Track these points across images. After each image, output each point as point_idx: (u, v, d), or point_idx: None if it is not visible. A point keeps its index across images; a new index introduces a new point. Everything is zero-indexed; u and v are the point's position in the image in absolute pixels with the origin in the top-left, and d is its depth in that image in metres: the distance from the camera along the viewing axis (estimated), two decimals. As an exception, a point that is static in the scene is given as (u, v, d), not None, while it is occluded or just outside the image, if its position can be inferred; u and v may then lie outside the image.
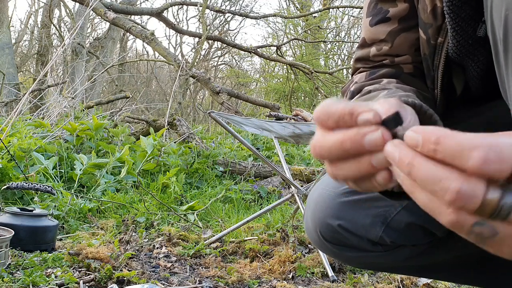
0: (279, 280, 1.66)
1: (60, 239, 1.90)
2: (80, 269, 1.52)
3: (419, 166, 0.37)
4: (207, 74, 8.17)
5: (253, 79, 13.62)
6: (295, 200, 2.11)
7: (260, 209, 2.41)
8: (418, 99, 0.60)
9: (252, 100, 7.05)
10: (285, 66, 9.53)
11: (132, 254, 1.75)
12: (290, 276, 1.71)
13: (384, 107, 0.44)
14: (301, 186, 2.11)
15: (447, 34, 0.70)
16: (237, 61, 13.99)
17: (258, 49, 7.26)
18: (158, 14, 7.03)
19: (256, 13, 10.52)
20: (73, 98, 4.89)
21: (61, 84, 6.60)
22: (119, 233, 2.03)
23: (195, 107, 10.01)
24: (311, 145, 0.46)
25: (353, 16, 10.99)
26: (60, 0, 10.33)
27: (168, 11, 9.80)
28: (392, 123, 0.42)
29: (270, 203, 2.71)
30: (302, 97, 11.88)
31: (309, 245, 2.01)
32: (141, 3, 11.08)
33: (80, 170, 2.62)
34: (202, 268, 1.74)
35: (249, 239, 2.04)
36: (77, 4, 8.14)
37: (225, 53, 13.19)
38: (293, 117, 3.75)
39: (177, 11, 12.95)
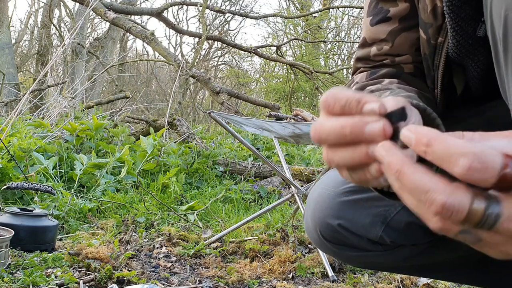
0: (279, 280, 1.66)
1: (60, 239, 1.90)
2: (80, 269, 1.52)
3: (407, 174, 0.37)
4: (207, 74, 8.17)
5: (253, 79, 13.62)
6: (295, 200, 2.11)
7: (260, 209, 2.41)
8: (421, 101, 0.60)
9: (252, 100, 7.05)
10: (285, 66, 9.53)
11: (132, 254, 1.75)
12: (290, 276, 1.71)
13: (391, 102, 0.44)
14: (301, 186, 2.11)
15: (447, 34, 0.70)
16: (237, 61, 14.00)
17: (258, 49, 7.26)
18: (158, 14, 7.03)
19: (256, 13, 10.52)
20: (73, 98, 4.89)
21: (61, 84, 6.60)
22: (119, 233, 2.03)
23: (195, 107, 10.01)
24: (312, 128, 0.46)
25: (353, 16, 11.00)
26: (60, 0, 10.33)
27: (168, 11, 9.80)
28: (397, 117, 0.42)
29: (270, 203, 2.71)
30: (302, 97, 11.88)
31: (309, 245, 2.01)
32: (141, 3, 11.08)
33: (80, 170, 2.62)
34: (202, 268, 1.74)
35: (249, 239, 2.04)
36: (77, 4, 8.14)
37: (225, 53, 13.20)
38: (293, 117, 3.75)
39: (177, 11, 12.96)
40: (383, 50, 0.79)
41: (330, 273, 1.69)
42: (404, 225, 0.78)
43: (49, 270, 1.49)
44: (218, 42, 10.57)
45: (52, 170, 2.62)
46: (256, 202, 2.99)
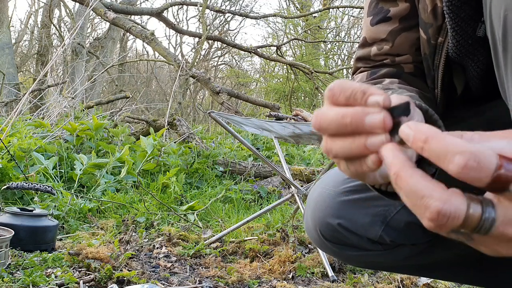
0: (279, 280, 1.66)
1: (60, 239, 1.90)
2: (80, 269, 1.52)
3: (405, 178, 0.38)
4: (207, 74, 8.17)
5: (253, 79, 13.62)
6: (295, 200, 2.11)
7: (260, 209, 2.41)
8: (422, 101, 0.60)
9: (252, 100, 7.04)
10: (285, 66, 9.53)
11: (132, 254, 1.75)
12: (290, 276, 1.71)
13: (396, 98, 0.45)
14: (301, 186, 2.11)
15: (447, 34, 0.70)
16: (237, 61, 14.00)
17: (258, 49, 7.26)
18: (158, 14, 7.03)
19: (256, 13, 10.52)
20: (73, 98, 4.89)
21: (61, 84, 6.60)
22: (119, 233, 2.03)
23: (195, 107, 10.01)
24: (313, 115, 0.46)
25: (353, 16, 11.00)
26: (60, 0, 10.33)
27: (168, 11, 9.80)
28: (400, 111, 0.42)
29: (270, 203, 2.71)
30: (302, 97, 11.88)
31: (309, 245, 2.01)
32: (141, 3, 11.08)
33: (80, 170, 2.62)
34: (202, 268, 1.74)
35: (249, 239, 2.04)
36: (77, 4, 8.14)
37: (225, 53, 13.20)
38: (293, 117, 3.75)
39: (177, 11, 12.96)
40: (383, 50, 0.79)
41: (330, 273, 1.69)
42: (404, 224, 0.78)
43: (49, 270, 1.49)
44: (218, 42, 10.57)
45: (52, 170, 2.62)
46: (256, 202, 2.99)
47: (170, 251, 1.87)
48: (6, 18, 8.41)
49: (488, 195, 0.37)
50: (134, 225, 2.05)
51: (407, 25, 0.77)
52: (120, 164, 2.90)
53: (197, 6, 8.39)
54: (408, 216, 0.78)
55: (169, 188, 2.76)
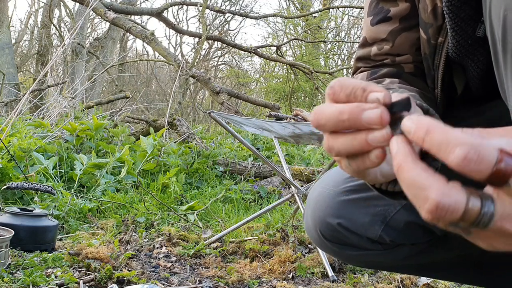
0: (279, 280, 1.66)
1: (60, 239, 1.90)
2: (80, 269, 1.52)
3: (406, 170, 0.38)
4: (207, 74, 8.17)
5: (253, 79, 13.62)
6: (295, 200, 2.11)
7: (260, 209, 2.41)
8: (423, 101, 0.60)
9: (252, 100, 7.05)
10: (285, 66, 9.53)
11: (132, 254, 1.75)
12: (290, 276, 1.71)
13: (396, 95, 0.45)
14: (301, 186, 2.11)
15: (448, 34, 0.70)
16: (237, 61, 14.00)
17: (258, 49, 7.26)
18: (158, 14, 7.03)
19: (256, 13, 10.52)
20: (73, 98, 4.89)
21: (61, 84, 6.60)
22: (119, 233, 2.03)
23: (195, 107, 10.01)
24: (312, 112, 0.46)
25: (353, 16, 11.00)
26: (60, 0, 10.33)
27: (168, 11, 9.80)
28: (401, 107, 0.42)
29: (270, 203, 2.71)
30: (302, 97, 11.88)
31: (309, 245, 2.01)
32: (141, 3, 11.08)
33: (80, 170, 2.62)
34: (202, 268, 1.74)
35: (249, 239, 2.04)
36: (77, 4, 8.14)
37: (225, 53, 13.20)
38: (293, 117, 3.75)
39: (177, 11, 12.96)
40: (384, 50, 0.79)
41: (330, 273, 1.69)
42: (404, 224, 0.78)
43: (49, 270, 1.49)
44: (218, 42, 10.57)
45: (52, 170, 2.62)
46: (256, 202, 2.99)
47: (170, 251, 1.88)
48: (6, 18, 8.42)
49: (488, 189, 0.37)
50: (134, 225, 2.05)
51: (407, 25, 0.77)
52: (120, 164, 2.90)
53: (197, 6, 8.39)
54: (407, 216, 0.78)
55: (169, 188, 2.76)
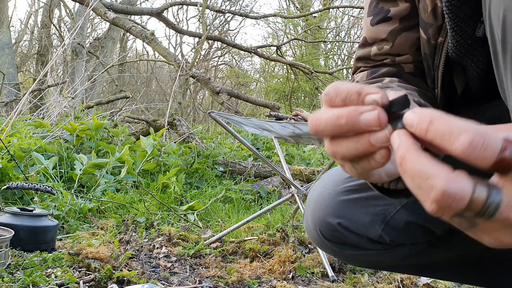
0: (279, 280, 1.66)
1: (60, 239, 1.90)
2: (80, 269, 1.52)
3: (410, 160, 0.37)
4: (207, 74, 8.17)
5: (253, 79, 13.62)
6: (295, 200, 2.11)
7: (260, 209, 2.41)
8: (422, 99, 0.60)
9: (252, 100, 7.05)
10: (285, 66, 9.53)
11: (132, 254, 1.75)
12: (290, 276, 1.71)
13: (392, 94, 0.44)
14: (301, 186, 2.11)
15: (447, 34, 0.70)
16: (237, 61, 14.00)
17: (258, 49, 7.26)
18: (158, 14, 7.03)
19: (256, 13, 10.52)
20: (73, 98, 4.89)
21: (61, 84, 6.60)
22: (119, 233, 2.03)
23: (195, 107, 10.01)
24: (310, 119, 0.46)
25: (353, 16, 11.00)
26: (60, 0, 10.33)
27: (168, 11, 9.81)
28: (400, 105, 0.42)
29: (270, 203, 2.71)
30: (302, 97, 11.88)
31: (309, 245, 2.01)
32: (141, 3, 11.08)
33: (80, 170, 2.62)
34: (202, 268, 1.74)
35: (249, 239, 2.04)
36: (77, 4, 8.14)
37: (225, 53, 13.20)
38: (293, 117, 3.75)
39: (177, 11, 12.96)
40: (384, 50, 0.79)
41: (330, 273, 1.69)
42: (404, 224, 0.78)
43: (49, 270, 1.49)
44: (218, 42, 10.57)
45: (52, 170, 2.62)
46: (256, 202, 2.99)
47: (170, 251, 1.88)
48: (6, 18, 8.42)
49: (493, 179, 0.36)
50: (134, 225, 2.05)
51: (407, 25, 0.77)
52: (120, 164, 2.90)
53: (197, 6, 8.39)
54: (407, 215, 0.78)
55: (169, 188, 2.76)
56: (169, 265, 1.72)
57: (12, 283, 1.34)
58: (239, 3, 12.52)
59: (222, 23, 12.61)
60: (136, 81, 12.16)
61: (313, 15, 10.48)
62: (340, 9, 10.50)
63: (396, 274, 1.73)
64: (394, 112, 0.42)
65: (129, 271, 1.53)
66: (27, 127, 3.36)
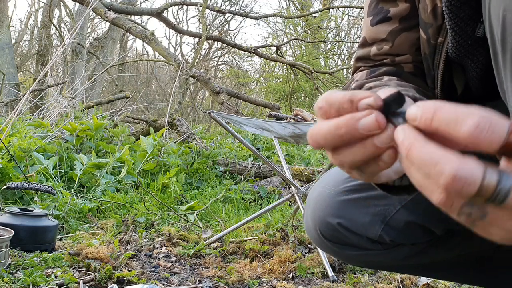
0: (279, 280, 1.66)
1: (60, 239, 1.90)
2: (80, 269, 1.52)
3: (418, 148, 0.37)
4: (207, 74, 8.17)
5: (253, 79, 13.62)
6: (295, 200, 2.11)
7: (260, 209, 2.41)
8: (419, 95, 0.60)
9: (252, 100, 7.05)
10: (285, 66, 9.53)
11: (132, 254, 1.75)
12: (290, 276, 1.71)
13: (385, 92, 0.44)
14: (301, 186, 2.11)
15: (447, 34, 0.70)
16: (237, 61, 14.01)
17: (258, 49, 7.26)
18: (158, 14, 7.03)
19: (256, 13, 10.52)
20: (73, 98, 4.89)
21: (61, 84, 6.60)
22: (119, 233, 2.03)
23: (195, 107, 10.01)
24: (308, 135, 0.46)
25: (353, 16, 11.00)
26: (60, 0, 10.33)
27: (168, 11, 9.81)
28: (395, 102, 0.42)
29: (270, 203, 2.71)
30: (302, 97, 11.88)
31: (309, 245, 2.01)
32: (141, 3, 11.08)
33: (80, 170, 2.63)
34: (202, 268, 1.74)
35: (249, 239, 2.04)
36: (77, 4, 8.14)
37: (225, 53, 13.20)
38: (293, 117, 3.75)
39: (177, 11, 12.96)
40: (383, 50, 0.79)
41: (330, 273, 1.69)
42: (404, 224, 0.78)
43: (49, 270, 1.49)
44: (218, 42, 10.57)
45: (52, 170, 2.62)
46: (256, 202, 2.99)
47: (170, 251, 1.88)
48: (6, 18, 8.42)
49: (502, 164, 0.36)
50: (134, 225, 2.05)
51: (407, 25, 0.77)
52: (120, 164, 2.90)
53: (197, 6, 8.39)
54: (407, 215, 0.78)
55: (169, 188, 2.76)
56: (169, 265, 1.72)
57: (12, 283, 1.34)
58: (239, 3, 12.53)
59: (222, 23, 12.62)
60: (136, 81, 12.17)
61: (313, 15, 10.48)
62: (340, 9, 10.51)
63: (396, 274, 1.73)
64: (392, 111, 0.42)
65: (129, 271, 1.53)
66: (27, 127, 3.36)
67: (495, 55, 0.56)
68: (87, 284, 1.42)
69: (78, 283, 1.40)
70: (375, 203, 0.79)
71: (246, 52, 8.63)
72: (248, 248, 1.92)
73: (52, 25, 9.86)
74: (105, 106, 7.16)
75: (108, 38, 10.02)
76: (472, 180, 0.33)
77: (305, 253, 1.93)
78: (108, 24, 8.81)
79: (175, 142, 3.69)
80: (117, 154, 2.91)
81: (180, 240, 2.01)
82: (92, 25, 12.36)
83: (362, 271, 1.79)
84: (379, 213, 0.79)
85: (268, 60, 10.02)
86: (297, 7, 12.45)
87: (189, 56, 12.04)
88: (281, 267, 1.74)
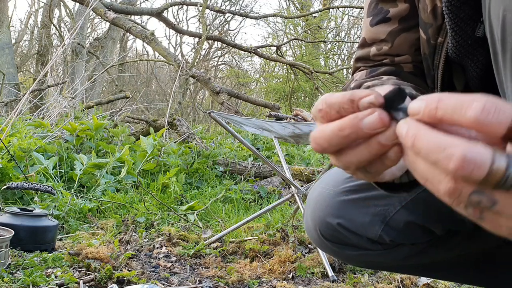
0: (279, 280, 1.66)
1: (60, 239, 1.90)
2: (80, 269, 1.52)
3: (424, 136, 0.36)
4: (207, 74, 8.17)
5: (253, 79, 13.63)
6: (295, 200, 2.11)
7: (260, 209, 2.41)
8: (416, 92, 0.61)
9: (252, 100, 7.05)
10: (285, 66, 9.53)
11: (132, 254, 1.75)
12: (290, 276, 1.71)
13: (385, 89, 0.44)
14: (301, 186, 2.11)
15: (447, 34, 0.70)
16: (237, 61, 14.01)
17: (258, 49, 7.27)
18: (158, 14, 7.03)
19: (256, 13, 10.53)
20: (73, 98, 4.89)
21: (61, 84, 6.60)
22: (119, 233, 2.03)
23: (195, 107, 10.01)
24: (311, 139, 0.45)
25: (353, 16, 11.01)
26: (60, 0, 10.33)
27: (168, 11, 9.81)
28: (396, 98, 0.41)
29: (270, 203, 2.71)
30: (302, 97, 11.88)
31: (309, 245, 2.01)
32: (141, 3, 11.09)
33: (80, 170, 2.63)
34: (202, 268, 1.74)
35: (249, 239, 2.04)
36: (77, 4, 8.14)
37: (225, 53, 13.20)
38: (293, 117, 3.75)
39: (177, 11, 12.97)
40: (383, 50, 0.79)
41: (330, 273, 1.69)
42: (403, 224, 0.78)
43: (49, 270, 1.49)
44: (218, 42, 10.57)
45: (52, 170, 2.62)
46: (256, 202, 2.99)
47: (170, 251, 1.88)
48: (6, 18, 8.42)
49: (509, 149, 0.35)
50: (134, 225, 2.05)
51: (407, 26, 0.77)
52: (120, 164, 2.90)
53: (197, 6, 8.39)
54: (407, 215, 0.78)
55: (169, 188, 2.76)
56: (169, 265, 1.72)
57: (12, 283, 1.34)
58: (239, 3, 12.53)
59: (222, 23, 12.62)
60: (136, 81, 12.17)
61: (313, 15, 10.48)
62: (340, 9, 10.51)
63: (396, 274, 1.73)
64: (393, 107, 0.41)
65: (129, 271, 1.53)
66: (27, 127, 3.36)
67: (495, 55, 0.56)
68: (87, 284, 1.42)
69: (78, 283, 1.40)
70: (375, 204, 0.79)
71: (246, 52, 8.63)
72: (248, 248, 1.92)
73: (52, 25, 9.86)
74: (105, 106, 7.16)
75: (108, 38, 10.02)
76: (482, 163, 0.33)
77: (305, 253, 1.93)
78: (108, 24, 8.82)
79: (175, 142, 3.69)
80: (117, 154, 2.91)
81: (180, 240, 2.01)
82: (92, 25, 12.36)
83: (362, 271, 1.79)
84: (379, 213, 0.79)
85: (268, 60, 10.02)
86: (297, 7, 12.45)
87: (189, 56, 12.05)
88: (281, 267, 1.74)
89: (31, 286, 1.34)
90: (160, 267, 1.70)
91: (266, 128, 2.25)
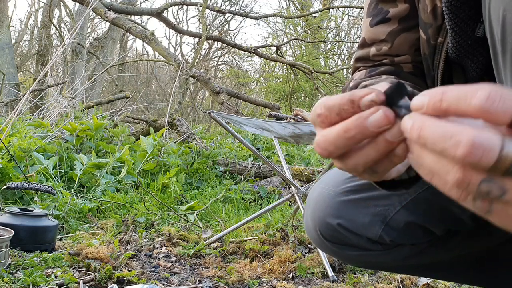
0: (279, 280, 1.66)
1: (60, 239, 1.90)
2: (80, 269, 1.52)
3: (430, 126, 0.36)
4: (207, 74, 8.17)
5: (253, 79, 13.63)
6: (295, 200, 2.11)
7: (260, 209, 2.41)
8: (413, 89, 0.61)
9: (252, 100, 7.05)
10: (285, 66, 9.53)
11: (132, 254, 1.75)
12: (290, 276, 1.71)
13: (384, 86, 0.43)
14: (301, 186, 2.11)
15: (447, 34, 0.70)
16: (237, 61, 14.01)
17: (258, 49, 7.26)
18: (158, 14, 7.03)
19: (256, 13, 10.52)
20: (73, 98, 4.89)
21: (61, 84, 6.60)
22: (119, 233, 2.03)
23: (195, 107, 10.01)
24: (315, 145, 0.44)
25: (353, 16, 11.01)
26: (60, 0, 10.33)
27: (168, 11, 9.81)
28: (397, 93, 0.41)
29: (270, 203, 2.71)
30: (302, 97, 11.88)
31: (309, 245, 2.01)
32: (141, 3, 11.08)
33: (80, 170, 2.63)
34: (202, 268, 1.74)
35: (249, 239, 2.04)
36: (77, 4, 8.14)
37: (225, 53, 13.20)
38: (293, 117, 3.75)
39: (177, 11, 12.96)
40: (382, 51, 0.79)
41: (330, 273, 1.69)
42: (404, 224, 0.78)
43: (49, 270, 1.49)
44: (218, 42, 10.57)
45: (52, 170, 2.62)
46: (256, 202, 2.99)
47: (170, 251, 1.88)
48: (6, 18, 8.42)
49: None
50: (134, 225, 2.05)
51: (407, 26, 0.77)
52: (120, 164, 2.90)
53: (197, 6, 8.39)
54: (407, 216, 0.78)
55: (169, 188, 2.76)
56: (169, 265, 1.72)
57: (12, 283, 1.34)
58: (239, 3, 12.53)
59: (222, 23, 12.62)
60: (136, 81, 12.17)
61: (313, 15, 10.48)
62: (340, 9, 10.51)
63: (396, 274, 1.73)
64: (395, 102, 0.41)
65: (129, 271, 1.53)
66: (27, 127, 3.36)
67: (495, 55, 0.56)
68: (87, 284, 1.42)
69: (78, 283, 1.40)
70: (375, 204, 0.79)
71: (246, 52, 8.63)
72: (248, 248, 1.92)
73: (52, 25, 9.86)
74: (105, 106, 7.16)
75: (108, 38, 10.02)
76: (491, 148, 0.32)
77: (305, 253, 1.93)
78: (108, 24, 8.82)
79: (175, 142, 3.69)
80: (117, 154, 2.91)
81: (180, 240, 2.01)
82: (92, 25, 12.36)
83: (362, 271, 1.79)
84: (379, 213, 0.79)
85: (268, 60, 10.02)
86: (297, 7, 12.45)
87: (189, 56, 12.05)
88: (281, 267, 1.74)
89: (31, 286, 1.34)
90: (160, 267, 1.70)
91: (266, 128, 2.25)
